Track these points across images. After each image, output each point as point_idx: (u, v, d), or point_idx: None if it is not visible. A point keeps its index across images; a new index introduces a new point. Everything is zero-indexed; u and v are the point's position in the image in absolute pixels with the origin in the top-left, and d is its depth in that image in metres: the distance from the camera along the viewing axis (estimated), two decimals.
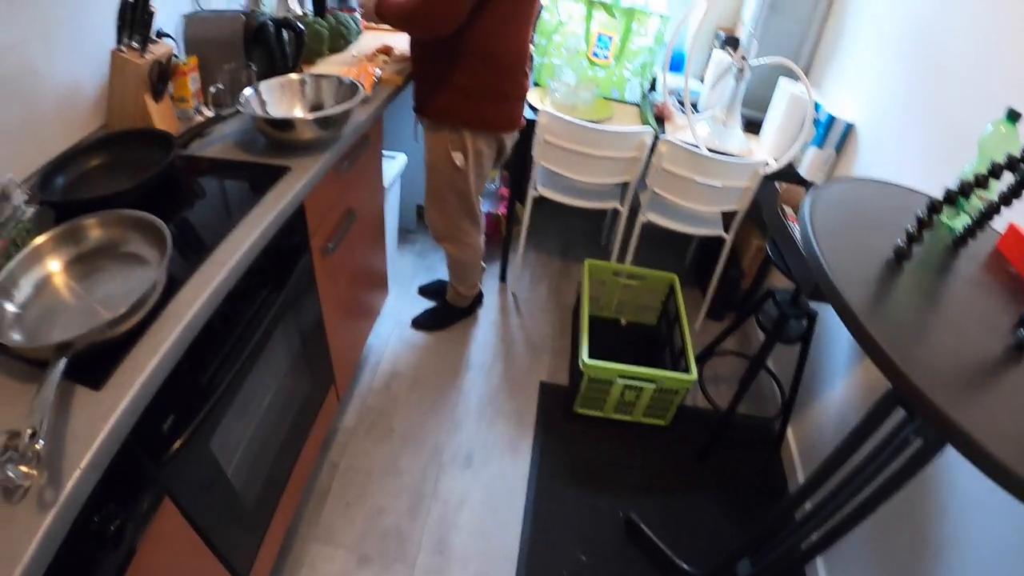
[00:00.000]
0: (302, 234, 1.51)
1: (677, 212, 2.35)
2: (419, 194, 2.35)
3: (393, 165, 2.33)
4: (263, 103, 1.58)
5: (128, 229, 1.11)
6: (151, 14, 1.44)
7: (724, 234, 2.40)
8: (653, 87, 2.60)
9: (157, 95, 1.52)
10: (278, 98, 1.62)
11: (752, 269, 2.71)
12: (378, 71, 1.82)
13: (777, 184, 2.09)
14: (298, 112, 1.64)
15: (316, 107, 1.64)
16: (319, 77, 1.67)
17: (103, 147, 1.39)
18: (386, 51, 2.02)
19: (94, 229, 1.10)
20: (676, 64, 2.77)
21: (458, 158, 1.93)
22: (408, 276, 2.81)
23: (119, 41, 1.46)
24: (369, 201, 2.03)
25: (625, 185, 2.42)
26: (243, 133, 1.57)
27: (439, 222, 2.18)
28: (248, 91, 1.52)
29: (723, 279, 2.55)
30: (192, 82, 1.63)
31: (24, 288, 1.00)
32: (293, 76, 1.65)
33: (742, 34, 2.57)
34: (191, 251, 1.15)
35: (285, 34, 1.76)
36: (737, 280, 2.73)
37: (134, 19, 1.44)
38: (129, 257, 1.10)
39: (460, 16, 1.63)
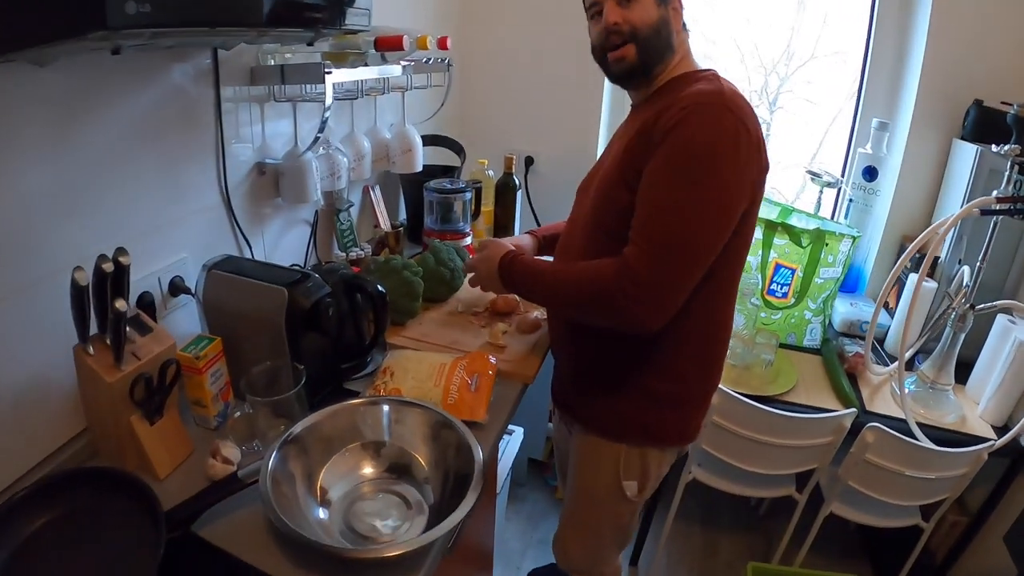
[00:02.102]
0: None
1: (871, 504, 1.76)
2: (532, 446, 1.87)
3: (508, 445, 1.74)
4: (307, 454, 0.93)
5: None
6: (120, 315, 0.88)
7: (923, 523, 1.81)
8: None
9: (152, 413, 0.97)
10: (333, 447, 0.97)
11: (944, 548, 2.01)
12: (494, 360, 1.19)
13: None
14: (368, 469, 0.97)
15: (399, 464, 0.98)
16: (399, 405, 1.02)
17: (63, 490, 0.88)
18: (506, 309, 1.42)
19: None
20: (852, 286, 2.15)
21: (631, 488, 1.28)
22: (516, 551, 2.13)
23: (82, 338, 0.90)
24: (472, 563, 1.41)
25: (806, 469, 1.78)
26: None
27: (579, 557, 1.49)
28: (272, 462, 0.86)
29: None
30: (212, 380, 1.05)
31: None
32: (354, 404, 1.01)
33: (940, 250, 1.95)
34: None
35: (359, 298, 1.18)
36: (926, 566, 2.03)
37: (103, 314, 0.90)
38: None
39: (683, 299, 1.01)
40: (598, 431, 1.25)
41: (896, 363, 1.84)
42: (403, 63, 1.46)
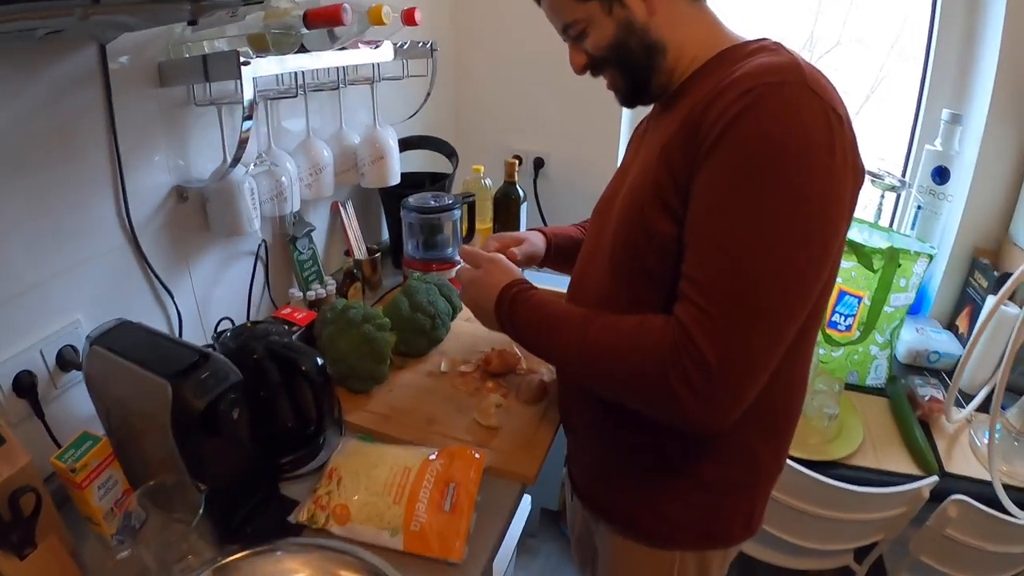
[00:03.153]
0: None
1: None
2: (544, 495, 1.83)
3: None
4: None
5: None
6: None
7: None
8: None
9: (20, 547, 0.72)
10: None
11: None
12: (479, 456, 0.89)
13: None
14: None
15: None
16: (323, 557, 0.70)
17: None
18: (502, 369, 1.11)
19: None
20: (915, 306, 1.83)
21: None
22: None
23: None
24: None
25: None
26: None
27: None
28: None
29: None
30: (101, 493, 0.80)
31: None
32: (246, 559, 0.69)
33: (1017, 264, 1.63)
34: None
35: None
36: None
37: None
38: None
39: (766, 378, 0.68)
40: (640, 537, 0.93)
41: (972, 404, 1.53)
42: (368, 47, 1.15)
